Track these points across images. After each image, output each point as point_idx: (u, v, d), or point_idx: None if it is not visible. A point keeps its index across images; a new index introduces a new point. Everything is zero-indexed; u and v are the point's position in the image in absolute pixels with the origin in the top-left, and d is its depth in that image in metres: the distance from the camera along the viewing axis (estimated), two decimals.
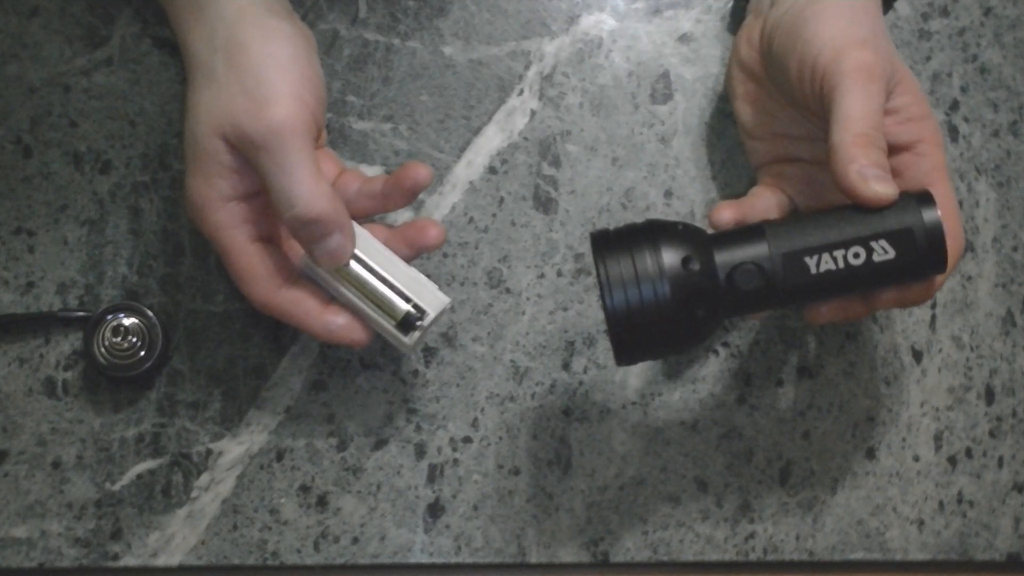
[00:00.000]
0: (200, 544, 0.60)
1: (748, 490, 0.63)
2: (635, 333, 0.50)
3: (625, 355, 0.51)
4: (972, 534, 0.65)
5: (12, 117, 0.61)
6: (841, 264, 0.50)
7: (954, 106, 0.67)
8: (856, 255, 0.50)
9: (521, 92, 0.64)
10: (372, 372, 0.62)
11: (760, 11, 0.59)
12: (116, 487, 0.60)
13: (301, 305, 0.54)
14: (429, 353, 0.62)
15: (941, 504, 0.65)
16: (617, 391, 0.63)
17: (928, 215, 0.50)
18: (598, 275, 0.50)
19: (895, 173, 0.54)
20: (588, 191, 0.64)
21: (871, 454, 0.65)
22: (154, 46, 0.62)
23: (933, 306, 0.66)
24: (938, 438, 0.65)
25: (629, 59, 0.65)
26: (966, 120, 0.67)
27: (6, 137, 0.61)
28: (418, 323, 0.54)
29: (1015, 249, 0.67)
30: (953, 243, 0.52)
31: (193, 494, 0.60)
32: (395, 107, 0.63)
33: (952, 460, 0.65)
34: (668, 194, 0.64)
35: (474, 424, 0.62)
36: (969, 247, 0.66)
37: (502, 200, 0.63)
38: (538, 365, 0.63)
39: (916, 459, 0.65)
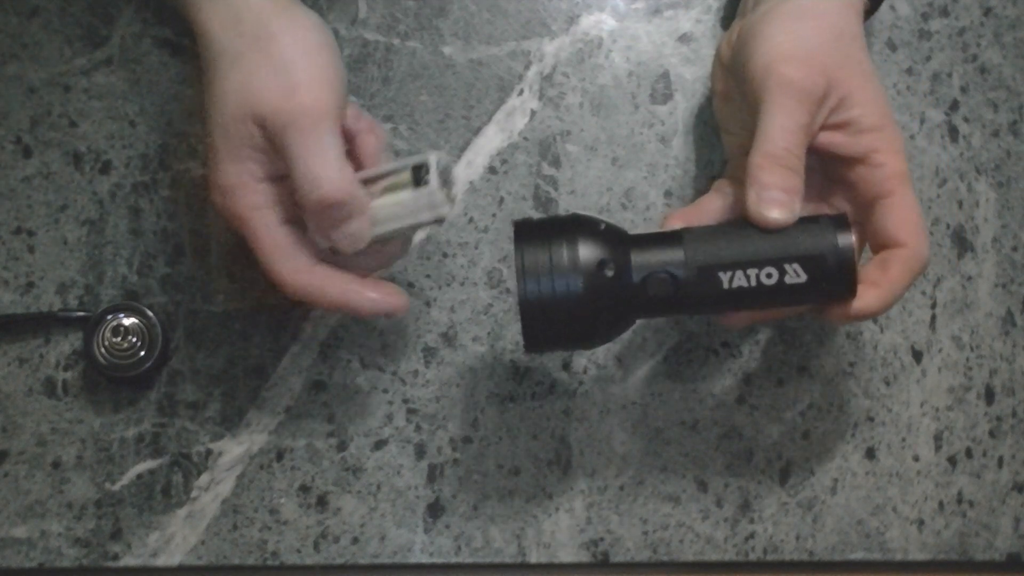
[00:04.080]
0: (200, 544, 0.60)
1: (748, 490, 0.63)
2: (546, 324, 0.50)
3: (534, 344, 0.52)
4: (972, 534, 0.65)
5: (12, 117, 0.61)
6: (753, 283, 0.50)
7: (954, 106, 0.67)
8: (769, 275, 0.50)
9: (521, 92, 0.64)
10: (372, 372, 0.62)
11: (744, 12, 0.59)
12: (116, 487, 0.60)
13: (338, 280, 0.53)
14: (429, 353, 0.62)
15: (941, 504, 0.65)
16: (617, 391, 0.63)
17: (842, 240, 0.50)
18: (515, 263, 0.50)
19: (850, 185, 0.54)
20: (588, 191, 0.64)
21: (871, 454, 0.65)
22: (154, 46, 0.62)
23: (933, 306, 0.66)
24: (938, 438, 0.65)
25: (629, 59, 0.65)
26: (966, 120, 0.67)
27: (6, 137, 0.61)
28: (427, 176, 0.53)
29: (1015, 249, 0.67)
30: (917, 252, 0.52)
31: (193, 494, 0.60)
32: (395, 107, 0.63)
33: (952, 460, 0.65)
34: (668, 194, 0.64)
35: (474, 424, 0.62)
36: (969, 247, 0.66)
37: (502, 200, 0.63)
38: (538, 365, 0.63)
39: (916, 459, 0.65)
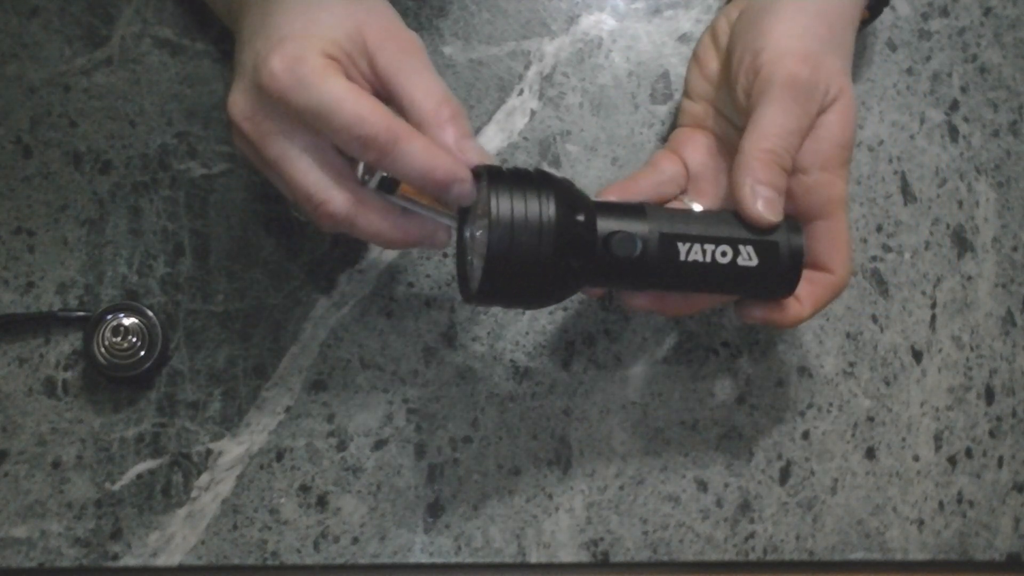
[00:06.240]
0: (200, 544, 0.60)
1: (748, 490, 0.63)
2: (507, 277, 0.50)
3: (486, 296, 0.51)
4: (972, 534, 0.65)
5: (12, 117, 0.61)
6: (708, 258, 0.52)
7: (954, 106, 0.67)
8: (724, 253, 0.52)
9: (521, 92, 0.64)
10: (372, 372, 0.62)
11: None
12: (116, 487, 0.60)
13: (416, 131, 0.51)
14: (429, 353, 0.62)
15: (941, 504, 0.65)
16: (617, 391, 0.63)
17: (795, 239, 0.52)
18: (487, 210, 0.49)
19: (791, 196, 0.53)
20: (588, 191, 0.64)
21: (871, 454, 0.65)
22: (154, 46, 0.62)
23: (933, 306, 0.66)
24: (938, 438, 0.65)
25: (629, 59, 0.65)
26: (966, 120, 0.67)
27: (6, 137, 0.61)
28: None
29: (1015, 249, 0.67)
30: (842, 280, 0.54)
31: (193, 494, 0.60)
32: None
33: (952, 460, 0.65)
34: None
35: (474, 424, 0.62)
36: (969, 247, 0.66)
37: None
38: (538, 365, 0.63)
39: (916, 459, 0.65)
